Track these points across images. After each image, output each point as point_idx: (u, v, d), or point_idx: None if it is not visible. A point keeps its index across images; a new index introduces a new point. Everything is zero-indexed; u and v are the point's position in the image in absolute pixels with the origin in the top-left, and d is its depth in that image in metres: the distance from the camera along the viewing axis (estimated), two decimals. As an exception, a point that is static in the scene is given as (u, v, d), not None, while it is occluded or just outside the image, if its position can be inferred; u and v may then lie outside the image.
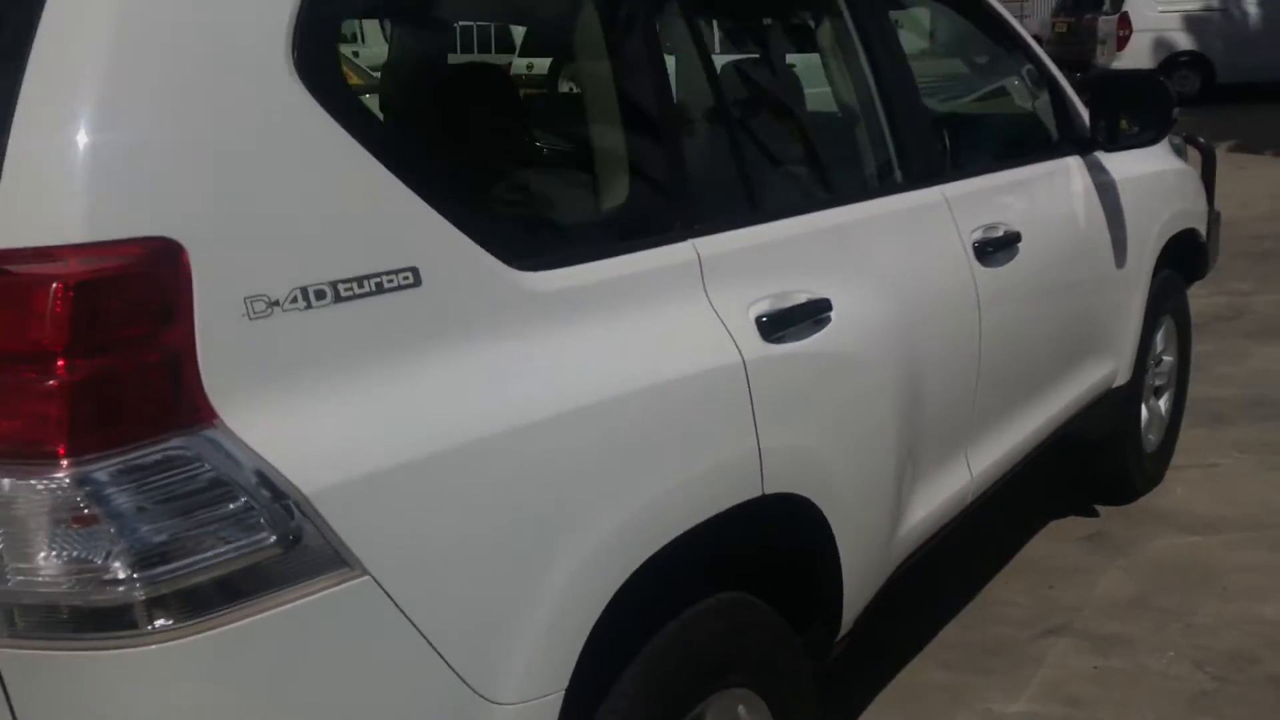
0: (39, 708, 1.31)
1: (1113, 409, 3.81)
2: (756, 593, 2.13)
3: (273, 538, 1.33)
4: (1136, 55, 16.37)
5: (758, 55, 2.65)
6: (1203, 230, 4.29)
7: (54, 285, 1.23)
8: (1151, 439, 4.27)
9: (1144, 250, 3.72)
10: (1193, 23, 16.50)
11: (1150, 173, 3.82)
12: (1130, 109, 3.42)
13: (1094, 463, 4.02)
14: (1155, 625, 3.41)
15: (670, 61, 2.02)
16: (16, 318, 1.24)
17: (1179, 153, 4.31)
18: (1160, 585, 3.64)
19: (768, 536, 2.13)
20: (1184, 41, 16.53)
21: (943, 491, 2.74)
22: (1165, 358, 4.31)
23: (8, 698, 1.31)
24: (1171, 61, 16.25)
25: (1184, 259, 4.16)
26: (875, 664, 3.21)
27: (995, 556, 3.86)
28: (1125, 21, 16.47)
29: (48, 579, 1.26)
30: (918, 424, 2.51)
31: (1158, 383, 4.29)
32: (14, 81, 1.30)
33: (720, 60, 2.25)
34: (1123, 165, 3.60)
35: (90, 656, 1.28)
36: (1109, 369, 3.67)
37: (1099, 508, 4.17)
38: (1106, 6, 17.47)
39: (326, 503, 1.37)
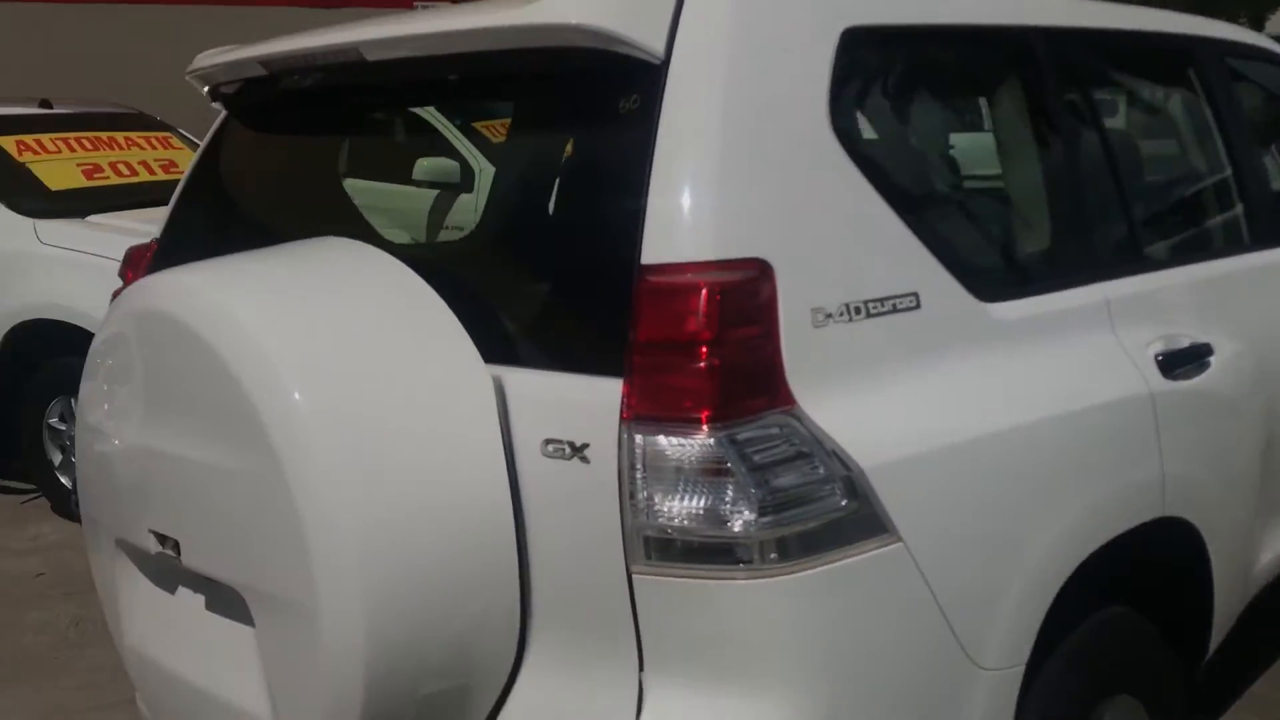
0: (660, 623, 1.63)
1: None
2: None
3: (844, 501, 1.63)
4: None
5: (1140, 128, 2.92)
6: None
7: (703, 290, 1.58)
8: None
9: None
10: None
11: None
12: None
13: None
14: None
15: (1078, 134, 2.31)
16: (674, 315, 1.59)
17: None
18: None
19: (1155, 558, 2.33)
20: None
21: (1284, 538, 2.87)
22: None
23: (635, 614, 1.64)
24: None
25: None
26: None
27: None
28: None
29: (685, 518, 1.59)
30: (1271, 469, 2.67)
31: None
32: (643, 164, 1.68)
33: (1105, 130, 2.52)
34: None
35: (713, 584, 1.60)
36: None
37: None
38: None
39: (877, 478, 1.67)
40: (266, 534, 1.64)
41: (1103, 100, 2.45)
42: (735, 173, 1.69)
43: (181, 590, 1.91)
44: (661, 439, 1.59)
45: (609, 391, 1.63)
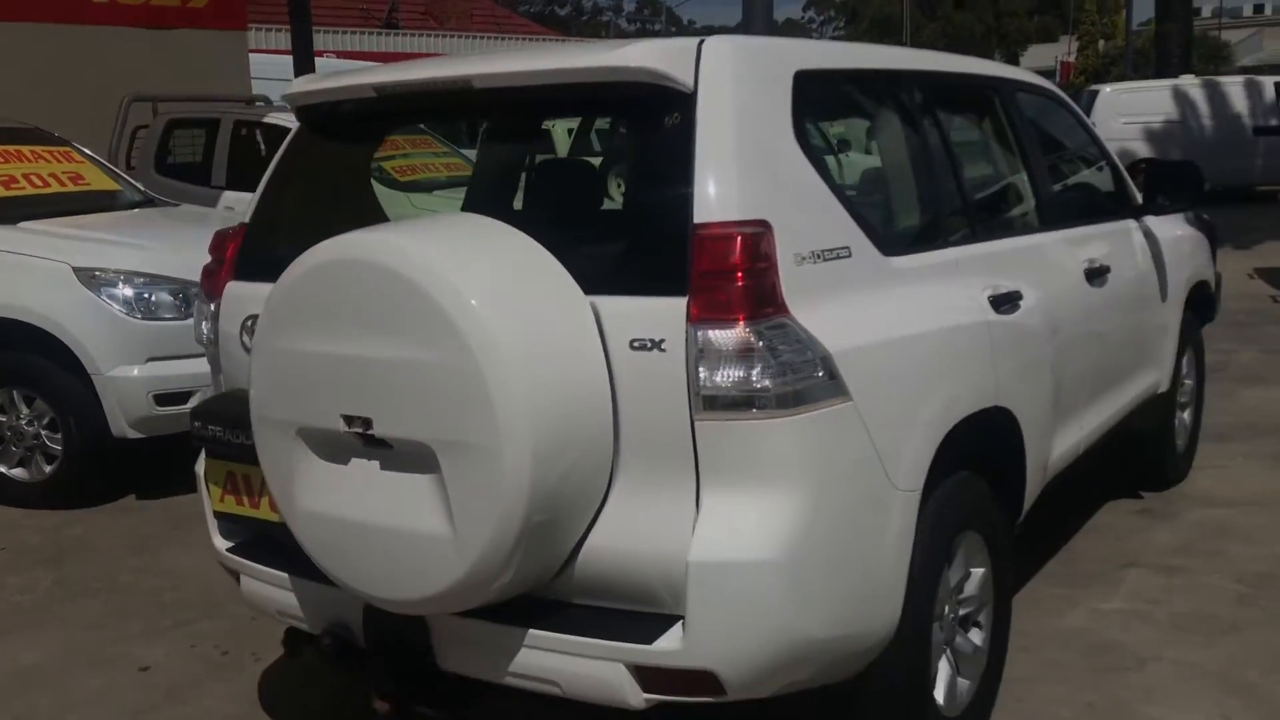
0: (711, 452, 2.52)
1: (1157, 410, 5.11)
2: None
3: (820, 373, 2.57)
4: (1104, 162, 18.13)
5: (969, 142, 4.02)
6: (1212, 284, 5.66)
7: (738, 238, 2.50)
8: (1180, 442, 5.56)
9: (1178, 290, 5.07)
10: (1153, 134, 18.38)
11: (1179, 235, 5.20)
12: (1168, 185, 4.82)
13: (1140, 453, 5.30)
14: (1202, 559, 4.67)
15: (935, 146, 3.38)
16: (719, 254, 2.50)
17: (1192, 224, 5.70)
18: (1201, 537, 4.91)
19: (989, 435, 3.36)
20: (1144, 150, 18.37)
21: (1070, 437, 4.00)
22: (1187, 381, 5.62)
23: (695, 449, 2.52)
24: (1133, 168, 17.98)
25: (1200, 305, 5.52)
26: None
27: (1070, 524, 5.10)
28: (1093, 132, 18.30)
29: (728, 384, 2.49)
30: (1060, 384, 3.78)
31: (1183, 399, 5.59)
32: (688, 158, 2.58)
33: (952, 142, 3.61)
34: (1161, 228, 4.97)
35: (745, 423, 2.50)
36: (1156, 377, 4.97)
37: (1142, 493, 5.44)
38: (1075, 119, 19.34)
39: (839, 359, 2.61)
40: (460, 401, 2.42)
41: (947, 121, 3.53)
42: (745, 164, 2.61)
43: (355, 461, 2.66)
44: (713, 333, 2.49)
45: (677, 305, 2.51)
